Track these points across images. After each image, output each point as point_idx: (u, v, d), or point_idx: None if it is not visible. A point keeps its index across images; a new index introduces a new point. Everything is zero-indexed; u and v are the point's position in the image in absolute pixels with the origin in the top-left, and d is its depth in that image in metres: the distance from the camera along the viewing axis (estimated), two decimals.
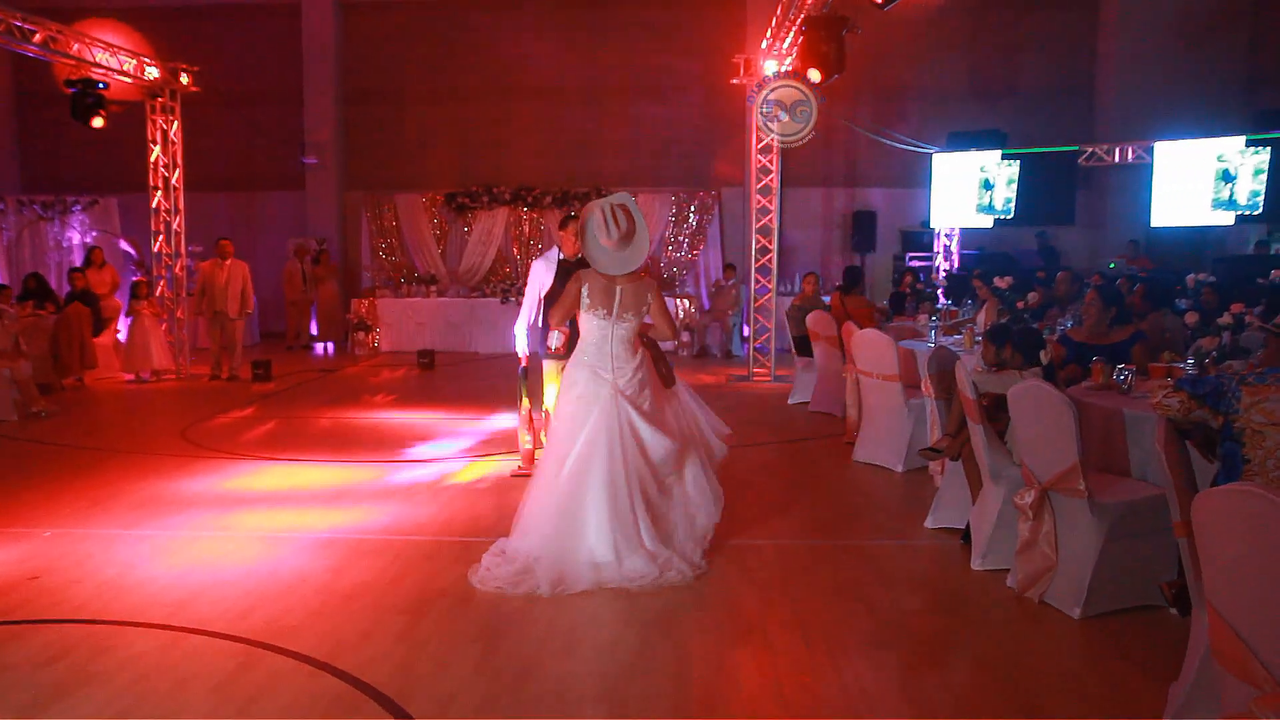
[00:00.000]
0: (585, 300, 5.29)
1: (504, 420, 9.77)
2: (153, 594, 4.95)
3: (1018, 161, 13.95)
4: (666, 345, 5.98)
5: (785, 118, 10.38)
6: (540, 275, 7.20)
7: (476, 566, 5.19)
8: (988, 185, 14.20)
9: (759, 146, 12.63)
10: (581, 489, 5.13)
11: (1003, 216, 14.20)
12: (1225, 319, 6.45)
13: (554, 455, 5.30)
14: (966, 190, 14.50)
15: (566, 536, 5.09)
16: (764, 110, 10.15)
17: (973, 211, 14.48)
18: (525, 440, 7.54)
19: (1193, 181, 12.37)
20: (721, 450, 5.74)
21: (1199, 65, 15.99)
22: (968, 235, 15.84)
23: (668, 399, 5.55)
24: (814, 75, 10.43)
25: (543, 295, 7.11)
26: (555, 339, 6.03)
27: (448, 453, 8.37)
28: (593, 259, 5.33)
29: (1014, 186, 13.96)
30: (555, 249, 7.25)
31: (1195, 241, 14.68)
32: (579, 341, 5.43)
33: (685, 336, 15.06)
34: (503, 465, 7.85)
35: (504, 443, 8.69)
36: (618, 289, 5.28)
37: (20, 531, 6.01)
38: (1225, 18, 16.30)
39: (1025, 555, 4.81)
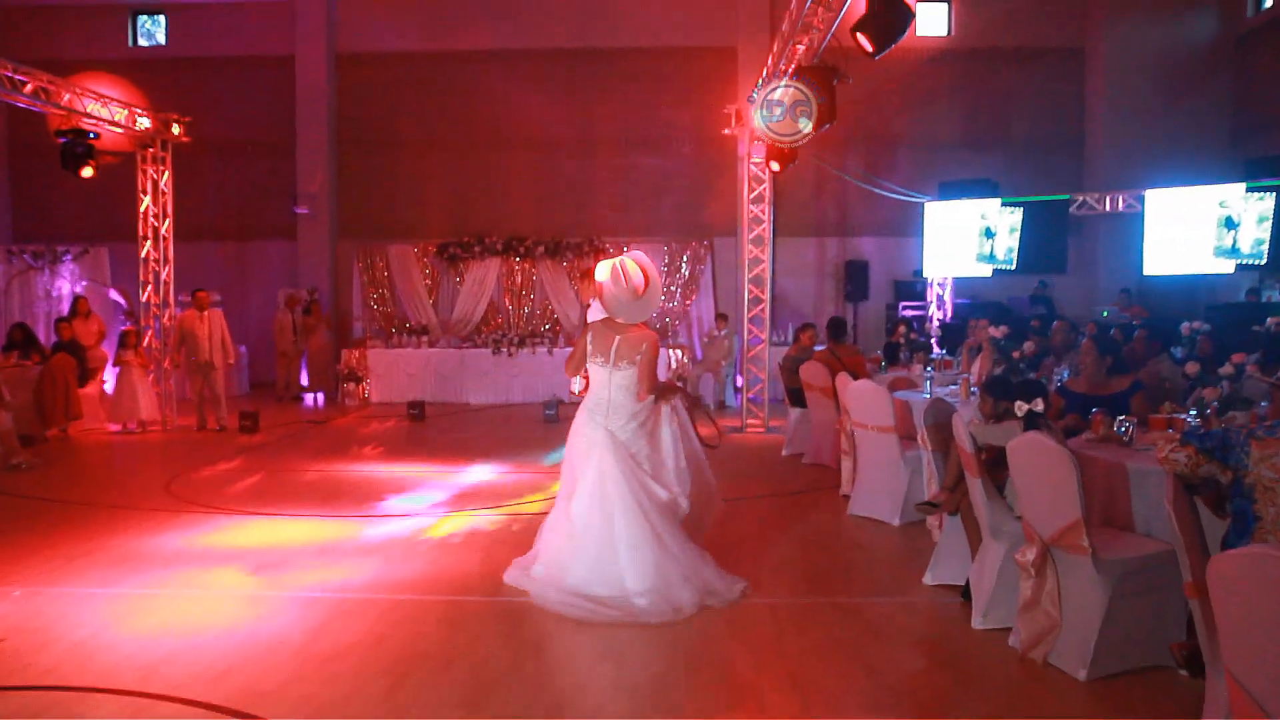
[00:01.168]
0: (589, 348, 5.66)
1: (494, 473, 9.63)
2: (125, 657, 4.76)
3: (1020, 210, 13.86)
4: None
5: (782, 123, 10.13)
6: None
7: (517, 578, 5.67)
8: (989, 234, 14.10)
9: (751, 196, 12.62)
10: (605, 527, 5.39)
11: (1004, 266, 14.08)
12: (1227, 369, 6.35)
13: (564, 495, 5.65)
14: (966, 239, 14.40)
15: (600, 570, 5.34)
16: (763, 111, 10.01)
17: (972, 261, 14.37)
18: None
19: (1191, 229, 12.27)
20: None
21: (1186, 115, 16.17)
22: (960, 284, 15.81)
23: (688, 454, 5.78)
24: (805, 125, 10.44)
25: None
26: (577, 384, 6.23)
27: (436, 508, 8.19)
28: (609, 309, 5.70)
29: (1016, 235, 13.81)
30: None
31: (1186, 289, 14.65)
32: (589, 387, 5.77)
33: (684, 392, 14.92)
34: (492, 520, 7.69)
35: (493, 497, 8.55)
36: (616, 338, 5.62)
37: None
38: (1208, 70, 16.52)
39: (1028, 614, 4.65)
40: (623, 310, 5.68)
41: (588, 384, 6.00)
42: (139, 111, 12.44)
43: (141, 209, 12.93)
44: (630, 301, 5.65)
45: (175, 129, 12.86)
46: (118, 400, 12.42)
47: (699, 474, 5.85)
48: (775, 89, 9.93)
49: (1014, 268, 13.98)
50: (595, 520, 5.42)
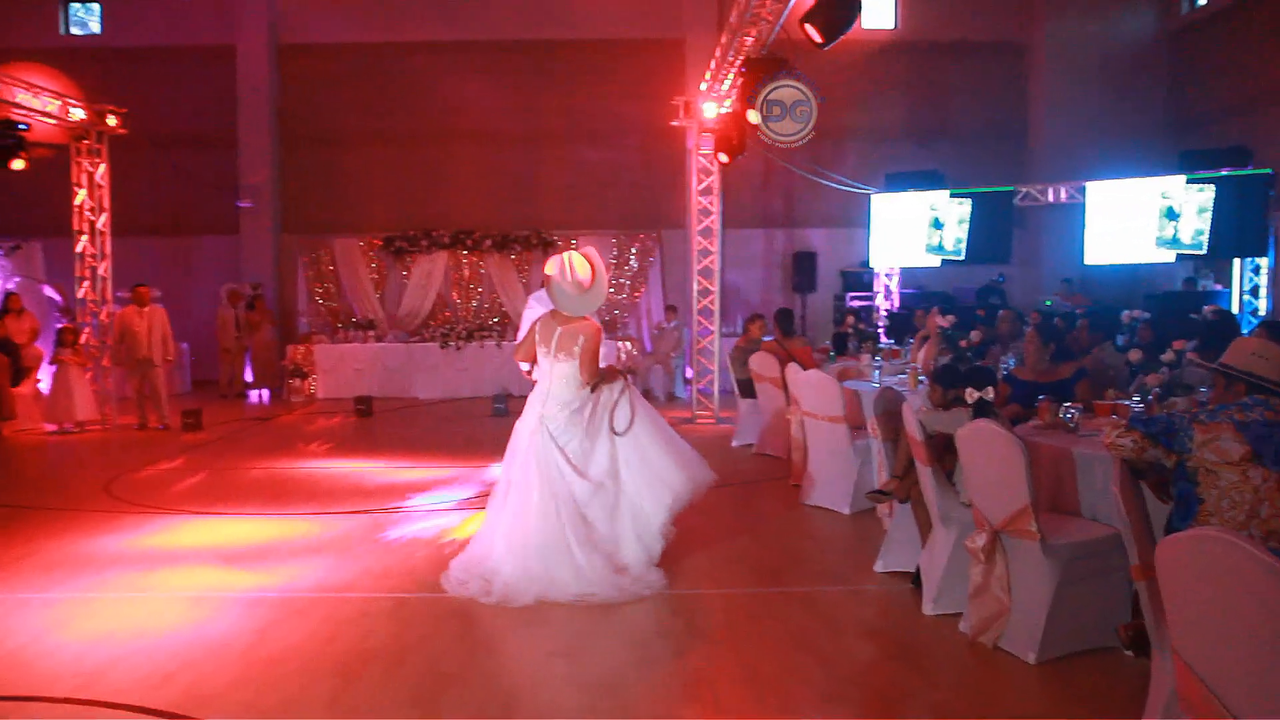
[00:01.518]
0: (536, 338, 5.83)
1: (441, 470, 9.53)
2: (63, 663, 4.63)
3: (969, 201, 13.91)
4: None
5: (785, 122, 10.01)
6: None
7: (448, 573, 5.69)
8: (938, 225, 14.20)
9: (700, 188, 12.62)
10: (520, 513, 5.57)
11: (953, 257, 14.12)
12: (1168, 355, 6.47)
13: (502, 480, 5.85)
14: (915, 230, 14.50)
15: (512, 555, 5.50)
16: (763, 111, 9.94)
17: (921, 251, 14.48)
18: None
19: (1132, 219, 12.48)
20: (684, 489, 5.88)
21: (1124, 108, 16.48)
22: (907, 274, 15.95)
23: (622, 442, 5.81)
24: (754, 116, 10.43)
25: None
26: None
27: (383, 504, 8.08)
28: (556, 302, 5.82)
29: (965, 226, 13.90)
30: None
31: (1126, 279, 14.94)
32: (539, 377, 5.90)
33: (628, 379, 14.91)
34: (440, 517, 7.61)
35: (441, 493, 8.46)
36: (558, 330, 5.75)
37: None
38: (1145, 65, 16.86)
39: (978, 599, 4.70)
40: (568, 304, 5.78)
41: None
42: (72, 102, 12.10)
43: (76, 202, 12.60)
44: (575, 295, 5.77)
45: (111, 120, 12.52)
46: (54, 400, 12.09)
47: (655, 460, 5.86)
48: (774, 88, 9.87)
49: (963, 258, 14.10)
50: (519, 509, 5.59)
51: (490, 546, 5.66)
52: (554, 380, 5.75)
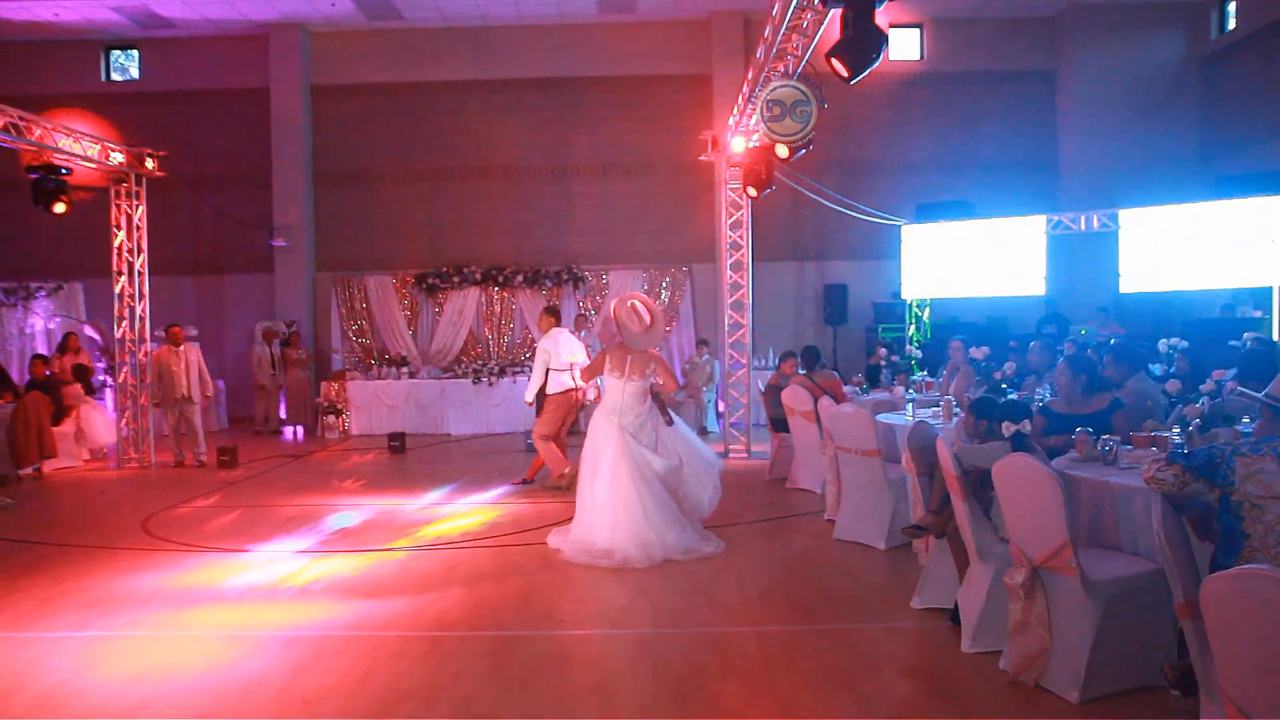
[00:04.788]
0: (607, 366, 7.43)
1: (476, 505, 9.54)
2: (98, 703, 4.65)
3: (1054, 226, 13.49)
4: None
5: (786, 121, 9.95)
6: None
7: (556, 542, 7.42)
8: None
9: (729, 222, 12.64)
10: (622, 498, 7.07)
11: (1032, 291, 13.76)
12: (1208, 385, 6.35)
13: (587, 481, 7.36)
14: (961, 260, 14.24)
15: (622, 528, 7.00)
16: (764, 110, 9.92)
17: (968, 281, 14.19)
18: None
19: (1177, 245, 12.16)
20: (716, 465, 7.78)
21: (1156, 135, 16.39)
22: (938, 305, 15.82)
23: (671, 432, 7.58)
24: (782, 151, 10.45)
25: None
26: (530, 395, 9.98)
27: (418, 540, 8.09)
28: (626, 339, 7.48)
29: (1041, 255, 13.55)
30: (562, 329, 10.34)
31: (1162, 306, 14.72)
32: (603, 396, 7.54)
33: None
34: (475, 553, 7.61)
35: (476, 529, 8.45)
36: (629, 358, 7.39)
37: None
38: (1176, 91, 16.75)
39: (1019, 637, 4.61)
40: (636, 340, 7.44)
41: (542, 402, 9.80)
42: (112, 146, 12.35)
43: (115, 244, 12.82)
44: (640, 333, 7.45)
45: (149, 163, 12.76)
46: (77, 432, 12.43)
47: (689, 461, 7.52)
48: (775, 88, 9.86)
49: (1044, 293, 13.77)
50: (613, 492, 7.08)
51: (594, 528, 7.15)
52: (626, 396, 7.35)
